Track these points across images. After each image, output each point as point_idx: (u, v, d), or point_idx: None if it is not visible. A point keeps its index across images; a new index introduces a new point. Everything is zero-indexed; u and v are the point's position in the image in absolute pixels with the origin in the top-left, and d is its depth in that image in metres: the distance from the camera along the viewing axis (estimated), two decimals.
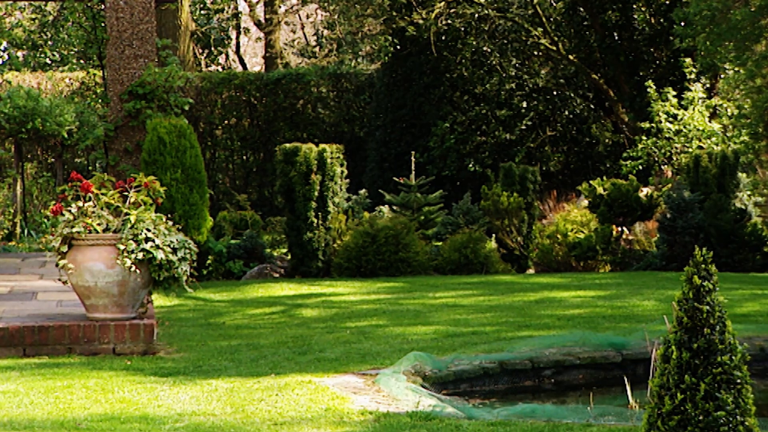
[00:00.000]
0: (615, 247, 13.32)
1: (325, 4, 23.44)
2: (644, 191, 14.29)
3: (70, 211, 6.91)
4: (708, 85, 17.57)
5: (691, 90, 16.38)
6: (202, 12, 26.41)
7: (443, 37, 18.91)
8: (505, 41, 19.41)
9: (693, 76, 16.84)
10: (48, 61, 24.08)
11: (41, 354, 6.81)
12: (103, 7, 11.87)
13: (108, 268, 6.83)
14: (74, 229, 6.81)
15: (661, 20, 18.26)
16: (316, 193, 12.15)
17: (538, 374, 6.78)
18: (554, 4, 19.59)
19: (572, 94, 19.46)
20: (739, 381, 3.35)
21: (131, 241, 6.80)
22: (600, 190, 13.79)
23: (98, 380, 5.96)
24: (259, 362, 6.60)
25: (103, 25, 11.92)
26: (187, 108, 11.88)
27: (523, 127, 18.93)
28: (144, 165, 10.86)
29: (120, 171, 11.40)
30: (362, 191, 15.61)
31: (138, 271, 6.84)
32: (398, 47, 18.77)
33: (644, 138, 16.29)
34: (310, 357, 6.76)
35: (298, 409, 5.23)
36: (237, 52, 28.67)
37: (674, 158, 16.06)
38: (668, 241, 12.79)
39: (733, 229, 12.81)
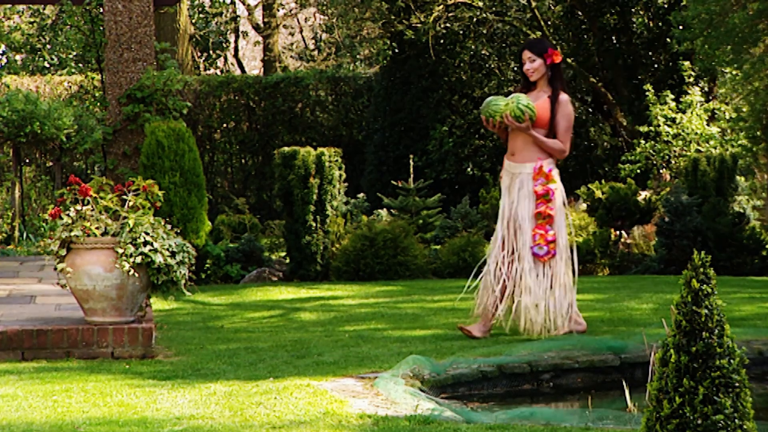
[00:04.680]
0: (613, 251, 13.32)
1: (324, 8, 23.46)
2: (642, 195, 14.30)
3: (68, 214, 6.91)
4: (706, 89, 17.58)
5: (689, 93, 16.39)
6: (201, 15, 26.43)
7: (441, 41, 18.92)
8: (504, 44, 19.42)
9: (691, 79, 16.85)
10: (46, 64, 24.09)
11: (39, 358, 6.81)
12: (101, 10, 11.88)
13: (106, 272, 6.83)
14: (73, 233, 6.81)
15: (660, 24, 18.28)
16: (314, 197, 12.15)
17: (536, 378, 6.78)
18: (552, 8, 19.60)
19: (570, 98, 19.47)
20: (737, 384, 3.35)
21: (130, 245, 6.80)
22: (598, 193, 13.79)
23: (97, 384, 5.96)
24: (257, 366, 6.60)
25: (101, 28, 11.93)
26: (185, 111, 11.89)
27: None
28: (142, 168, 10.86)
29: (118, 174, 11.40)
30: (361, 195, 15.61)
31: (136, 274, 6.84)
32: (396, 51, 18.78)
33: (643, 141, 16.29)
34: (309, 360, 6.76)
35: (297, 412, 5.23)
36: (235, 55, 28.69)
37: (673, 162, 16.07)
38: (666, 245, 12.80)
39: (731, 232, 12.82)
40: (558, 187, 7.75)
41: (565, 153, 7.81)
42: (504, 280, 7.71)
